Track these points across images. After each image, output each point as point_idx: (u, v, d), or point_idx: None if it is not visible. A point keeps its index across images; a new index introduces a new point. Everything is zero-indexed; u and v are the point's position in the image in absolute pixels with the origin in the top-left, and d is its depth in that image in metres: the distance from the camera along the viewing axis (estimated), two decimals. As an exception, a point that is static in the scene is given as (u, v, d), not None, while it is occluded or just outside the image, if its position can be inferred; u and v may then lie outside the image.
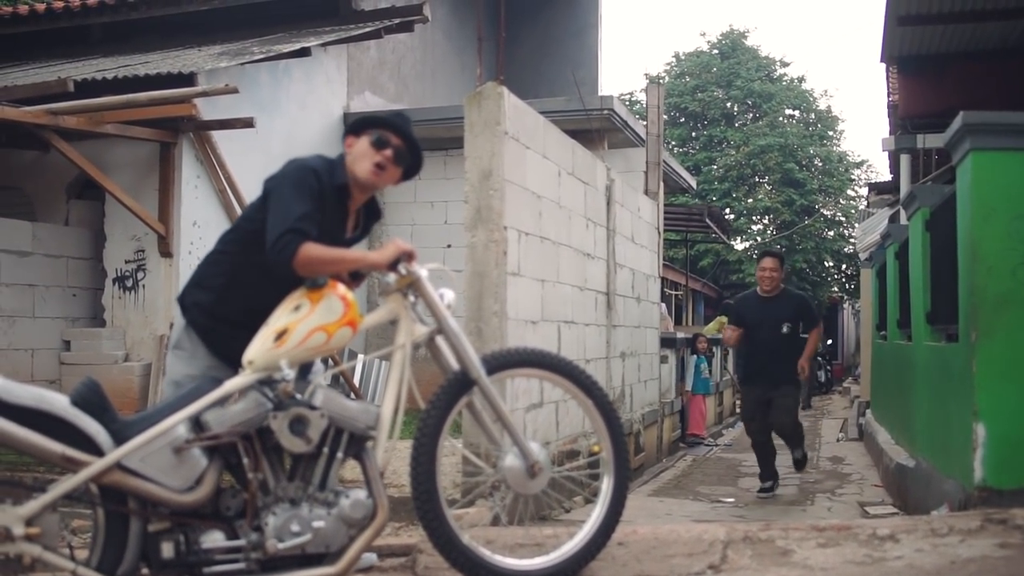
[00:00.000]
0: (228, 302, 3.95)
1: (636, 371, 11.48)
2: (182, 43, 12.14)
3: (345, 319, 3.75)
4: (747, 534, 4.82)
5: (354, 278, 4.18)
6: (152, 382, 10.08)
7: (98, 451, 3.43)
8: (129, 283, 10.67)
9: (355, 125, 4.14)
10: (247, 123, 10.37)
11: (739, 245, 32.99)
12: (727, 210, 31.47)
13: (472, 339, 6.77)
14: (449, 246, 12.69)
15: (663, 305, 15.60)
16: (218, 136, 10.71)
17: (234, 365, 3.84)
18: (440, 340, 4.06)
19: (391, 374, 3.91)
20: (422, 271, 3.96)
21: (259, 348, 3.68)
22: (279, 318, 3.74)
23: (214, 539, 3.55)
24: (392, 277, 3.95)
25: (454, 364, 4.06)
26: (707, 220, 20.59)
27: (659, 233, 13.12)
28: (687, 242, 27.88)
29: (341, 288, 3.83)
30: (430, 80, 16.27)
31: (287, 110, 12.18)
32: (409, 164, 4.16)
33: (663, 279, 14.18)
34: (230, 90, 9.64)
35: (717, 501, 9.67)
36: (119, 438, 3.47)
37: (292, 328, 3.68)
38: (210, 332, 3.96)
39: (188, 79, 10.00)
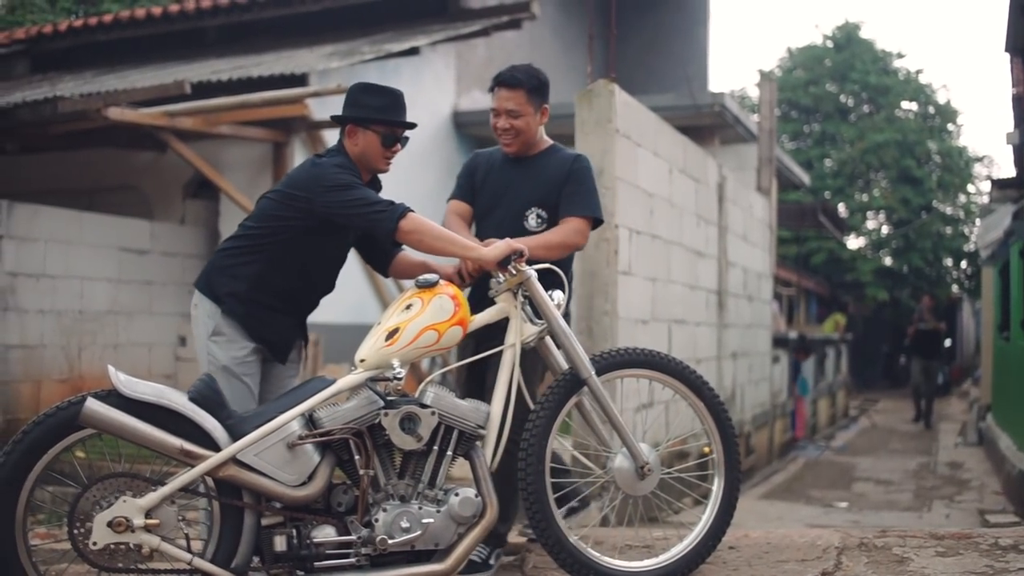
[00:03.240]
0: (262, 288, 4.00)
1: (747, 371, 11.31)
2: (293, 44, 12.31)
3: (455, 318, 3.78)
4: (862, 540, 4.71)
5: (464, 279, 4.19)
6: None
7: (214, 446, 3.51)
8: (242, 280, 10.86)
9: (351, 115, 4.07)
10: (357, 122, 10.46)
11: (853, 243, 32.30)
12: (841, 206, 30.82)
13: (582, 338, 6.73)
14: (557, 244, 12.62)
15: (775, 304, 15.35)
16: (329, 136, 10.84)
17: (272, 347, 4.02)
18: (549, 340, 4.03)
19: (500, 374, 3.92)
20: (532, 270, 3.94)
21: (371, 347, 3.73)
22: (390, 317, 3.80)
23: (326, 534, 3.59)
24: (503, 276, 3.94)
25: (563, 364, 4.03)
26: (821, 217, 20.19)
27: (772, 231, 12.90)
28: (799, 239, 27.38)
29: (451, 288, 3.87)
30: (538, 78, 16.24)
31: (396, 109, 12.25)
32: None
33: (774, 277, 13.94)
34: (341, 90, 9.73)
35: (829, 505, 9.48)
36: (234, 433, 3.54)
37: (403, 327, 3.72)
38: (248, 318, 4.01)
39: (300, 80, 10.15)
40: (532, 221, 4.49)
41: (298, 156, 10.67)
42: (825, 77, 33.22)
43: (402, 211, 3.80)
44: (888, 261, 31.86)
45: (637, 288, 7.44)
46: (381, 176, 4.29)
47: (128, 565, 3.45)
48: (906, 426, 18.15)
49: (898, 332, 31.45)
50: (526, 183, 4.53)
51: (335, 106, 11.33)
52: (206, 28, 13.11)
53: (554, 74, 16.32)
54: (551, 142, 4.66)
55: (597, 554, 4.04)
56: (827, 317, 26.24)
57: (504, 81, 4.49)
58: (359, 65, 10.85)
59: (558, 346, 4.03)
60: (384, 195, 3.98)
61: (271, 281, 3.99)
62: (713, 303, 9.80)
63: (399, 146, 4.10)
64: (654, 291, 7.88)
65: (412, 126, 4.10)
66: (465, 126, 13.54)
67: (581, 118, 6.98)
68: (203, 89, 9.82)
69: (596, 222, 4.52)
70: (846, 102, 33.47)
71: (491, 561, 4.41)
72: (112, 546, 3.42)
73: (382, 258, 4.39)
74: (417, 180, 12.28)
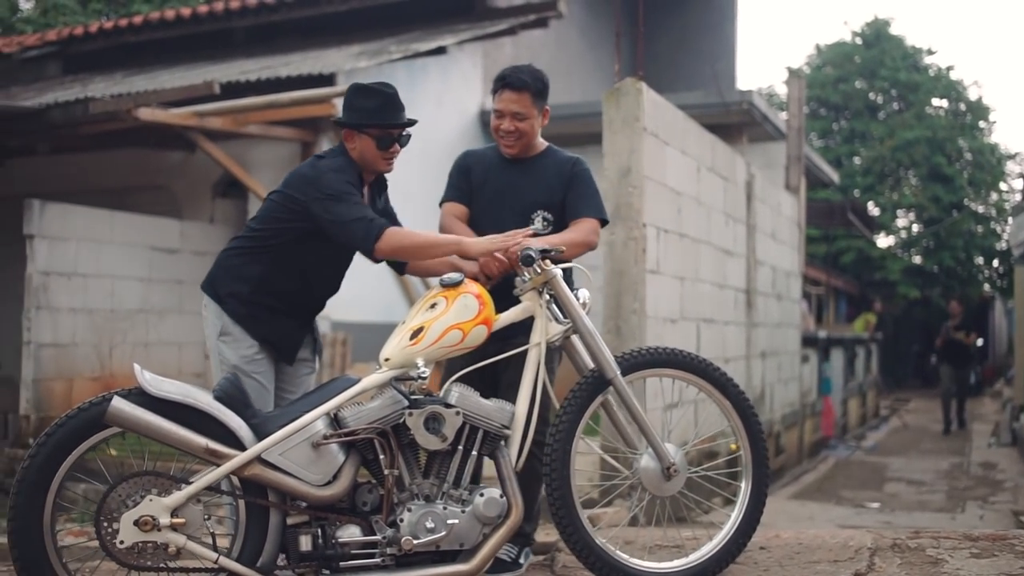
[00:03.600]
0: (264, 290, 4.02)
1: (776, 371, 11.25)
2: (321, 43, 12.35)
3: (480, 317, 3.78)
4: (895, 541, 4.67)
5: (489, 277, 4.17)
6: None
7: (240, 445, 3.52)
8: (271, 279, 10.91)
9: (348, 119, 4.06)
10: (385, 122, 10.48)
11: (883, 242, 32.08)
12: (870, 204, 30.63)
13: (611, 338, 6.72)
14: (585, 243, 12.57)
15: (804, 303, 15.26)
16: (357, 135, 10.85)
17: (276, 347, 4.02)
18: (575, 339, 4.02)
19: (525, 373, 3.91)
20: (557, 269, 3.93)
21: (395, 346, 3.73)
22: (415, 316, 3.80)
23: (350, 533, 3.60)
24: (527, 275, 3.93)
25: (588, 363, 4.02)
26: (850, 215, 20.06)
27: (800, 229, 12.82)
28: (828, 238, 27.22)
29: (476, 286, 3.87)
30: (565, 76, 16.22)
31: (423, 108, 12.28)
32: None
33: (803, 276, 13.86)
34: (369, 89, 9.75)
35: (861, 506, 9.41)
36: (259, 433, 3.55)
37: (428, 326, 3.72)
38: (249, 319, 4.03)
39: (328, 79, 10.17)
40: (539, 223, 4.41)
41: (326, 156, 10.71)
42: (854, 74, 33.03)
43: (378, 231, 3.79)
44: (918, 260, 31.64)
45: (665, 287, 7.40)
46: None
47: (155, 564, 3.47)
48: (938, 426, 18.01)
49: (929, 331, 31.18)
50: (529, 185, 4.47)
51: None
52: (234, 29, 13.17)
53: (581, 73, 16.37)
54: (547, 143, 4.61)
55: (625, 556, 4.02)
56: (856, 316, 26.07)
57: (510, 83, 4.38)
58: (387, 65, 10.87)
59: (584, 345, 4.02)
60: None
61: (273, 283, 4.01)
62: (742, 302, 9.74)
63: (397, 147, 4.08)
64: (682, 290, 7.84)
65: (409, 124, 4.08)
66: (492, 125, 13.52)
67: (609, 117, 6.96)
68: (232, 89, 9.86)
69: (603, 222, 4.52)
70: (876, 99, 33.27)
71: (520, 560, 4.40)
72: (139, 545, 3.43)
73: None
74: (444, 179, 12.26)
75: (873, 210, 30.30)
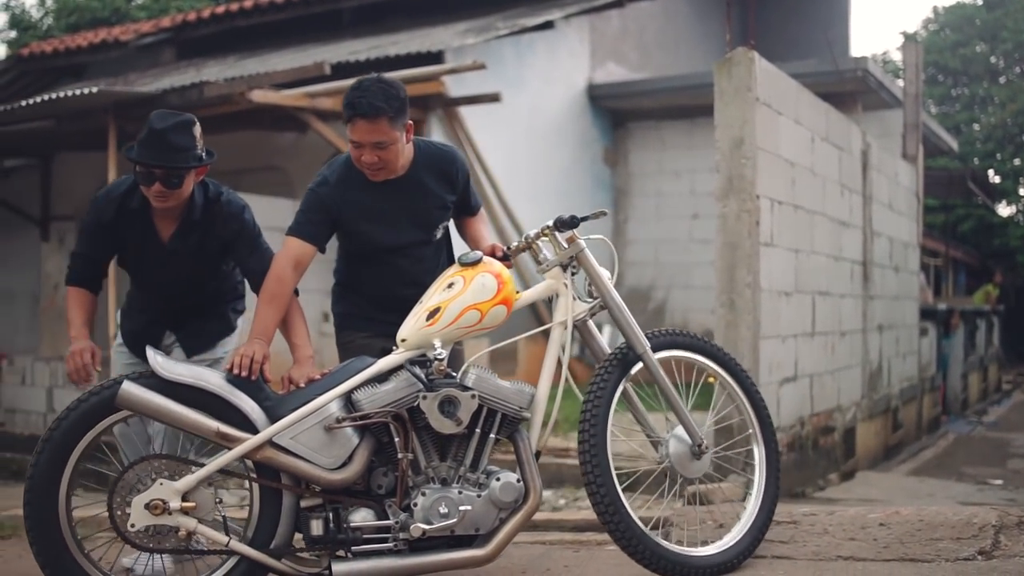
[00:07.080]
0: (132, 291, 4.31)
1: (894, 344, 11.01)
2: (428, 22, 12.41)
3: (499, 297, 3.69)
4: (1021, 519, 4.52)
5: (507, 256, 4.07)
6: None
7: (252, 428, 3.49)
8: (383, 257, 11.02)
9: (128, 152, 3.81)
10: (493, 98, 10.50)
11: (1004, 210, 31.13)
12: (991, 171, 29.72)
13: (724, 311, 6.70)
14: (696, 216, 12.47)
15: (922, 275, 14.89)
16: (465, 112, 10.90)
17: (126, 341, 4.25)
18: (591, 323, 3.93)
19: (548, 353, 3.82)
20: (583, 242, 3.86)
21: (412, 327, 3.66)
22: (432, 296, 3.72)
23: (363, 517, 3.54)
24: (553, 249, 3.88)
25: (604, 347, 3.95)
26: (970, 184, 19.47)
27: (918, 199, 12.50)
28: (947, 207, 26.50)
29: (496, 265, 3.79)
30: (673, 48, 16.03)
31: (531, 84, 12.26)
32: (192, 166, 3.86)
33: (921, 247, 13.51)
34: (477, 66, 9.78)
35: (983, 482, 9.16)
36: (272, 415, 3.52)
37: (445, 306, 3.65)
38: (122, 315, 4.38)
39: (436, 57, 10.22)
40: (439, 234, 4.15)
41: (435, 133, 10.77)
42: (975, 37, 32.05)
43: (67, 282, 4.01)
44: (1043, 226, 30.64)
45: (780, 259, 7.30)
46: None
47: (167, 547, 3.49)
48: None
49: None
50: (421, 201, 4.07)
51: (471, 83, 11.44)
52: (342, 10, 13.32)
53: (690, 43, 16.19)
54: (412, 139, 4.07)
55: (671, 544, 3.90)
56: (976, 288, 25.36)
57: (361, 112, 3.86)
58: (494, 41, 10.87)
59: (614, 320, 3.92)
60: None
61: (132, 286, 4.29)
62: (858, 274, 9.55)
63: (160, 186, 3.75)
64: (797, 262, 7.72)
65: (158, 167, 3.72)
66: (600, 99, 13.46)
67: (720, 87, 6.87)
68: (341, 69, 9.97)
69: None
70: (997, 63, 32.21)
71: None
72: (150, 528, 3.44)
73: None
74: (553, 155, 12.24)
75: (994, 178, 29.40)
